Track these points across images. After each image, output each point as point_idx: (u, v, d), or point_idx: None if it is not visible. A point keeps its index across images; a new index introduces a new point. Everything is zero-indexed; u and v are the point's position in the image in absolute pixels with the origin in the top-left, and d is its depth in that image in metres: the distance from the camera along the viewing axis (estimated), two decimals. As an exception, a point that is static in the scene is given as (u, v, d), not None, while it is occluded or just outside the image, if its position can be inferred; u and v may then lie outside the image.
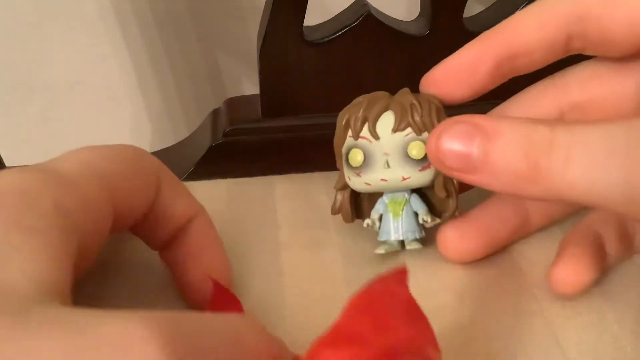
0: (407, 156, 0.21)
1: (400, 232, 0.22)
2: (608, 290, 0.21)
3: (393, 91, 0.23)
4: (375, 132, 0.21)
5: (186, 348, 0.12)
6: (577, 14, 0.19)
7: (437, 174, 0.22)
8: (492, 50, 0.21)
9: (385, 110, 0.22)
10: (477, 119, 0.18)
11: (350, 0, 0.30)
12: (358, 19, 0.29)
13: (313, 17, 0.29)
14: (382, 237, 0.23)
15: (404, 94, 0.22)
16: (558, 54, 0.21)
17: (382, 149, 0.21)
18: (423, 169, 0.21)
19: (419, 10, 0.31)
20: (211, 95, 0.45)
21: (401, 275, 0.16)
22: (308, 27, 0.29)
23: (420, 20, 0.31)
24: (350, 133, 0.22)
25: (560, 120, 0.20)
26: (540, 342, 0.20)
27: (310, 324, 0.20)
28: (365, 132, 0.22)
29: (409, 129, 0.21)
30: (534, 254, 0.23)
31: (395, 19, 0.30)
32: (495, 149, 0.17)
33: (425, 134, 0.21)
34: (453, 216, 0.22)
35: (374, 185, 0.22)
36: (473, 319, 0.21)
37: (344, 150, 0.22)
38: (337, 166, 0.23)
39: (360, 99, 0.22)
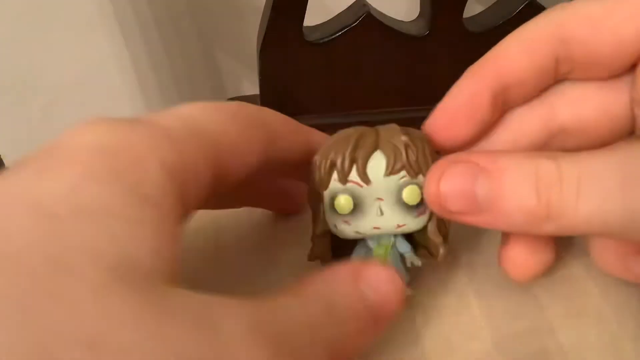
0: (401, 202, 0.20)
1: None
2: (608, 289, 0.21)
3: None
4: (366, 176, 0.19)
5: (282, 342, 0.14)
6: (560, 37, 0.19)
7: (431, 216, 0.20)
8: (485, 82, 0.20)
9: (375, 150, 0.19)
10: (476, 157, 0.17)
11: (350, 1, 0.30)
12: (358, 19, 0.29)
13: (313, 17, 0.29)
14: None
15: (393, 131, 0.20)
16: (549, 80, 0.20)
17: (374, 194, 0.19)
18: (419, 214, 0.20)
19: (419, 10, 0.31)
20: (211, 95, 0.45)
21: None
22: (308, 27, 0.29)
23: (420, 20, 0.31)
24: (335, 176, 0.19)
25: (559, 152, 0.20)
26: (539, 342, 0.20)
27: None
28: (354, 175, 0.19)
29: (403, 172, 0.19)
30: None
31: (395, 19, 0.30)
32: (502, 188, 0.17)
33: (420, 177, 0.19)
34: (445, 258, 0.20)
35: (366, 234, 0.20)
36: (472, 319, 0.21)
37: (327, 194, 0.20)
38: (311, 209, 0.21)
39: (342, 134, 0.20)
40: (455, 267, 0.23)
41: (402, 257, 0.21)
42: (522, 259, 0.20)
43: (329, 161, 0.19)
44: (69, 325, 0.11)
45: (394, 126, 0.20)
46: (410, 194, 0.19)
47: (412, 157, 0.19)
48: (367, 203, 0.20)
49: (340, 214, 0.20)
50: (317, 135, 0.21)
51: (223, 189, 0.18)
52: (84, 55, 0.42)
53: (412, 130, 0.20)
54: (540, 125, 0.21)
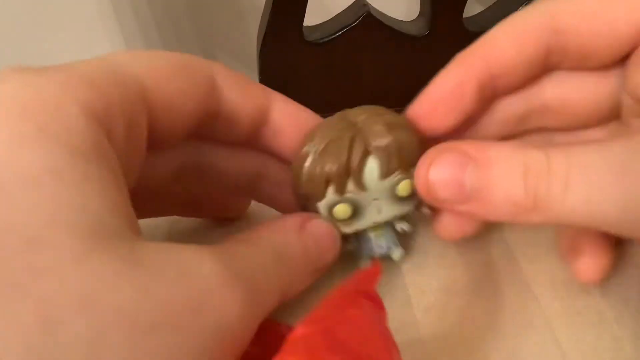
0: (396, 196, 0.20)
1: (385, 247, 0.21)
2: (607, 289, 0.21)
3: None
4: (363, 184, 0.19)
5: (250, 279, 0.15)
6: (553, 28, 0.19)
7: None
8: (473, 71, 0.20)
9: (367, 156, 0.19)
10: (465, 146, 0.18)
11: (350, 1, 0.30)
12: (358, 19, 0.29)
13: (313, 17, 0.29)
14: (362, 255, 0.22)
15: (375, 125, 0.19)
16: (537, 71, 0.20)
17: (371, 196, 0.20)
18: (412, 201, 0.21)
19: (419, 10, 0.31)
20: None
21: (374, 274, 0.16)
22: (308, 27, 0.29)
23: (420, 20, 0.31)
24: (332, 189, 0.19)
25: (548, 144, 0.20)
26: (539, 342, 0.20)
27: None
28: (350, 186, 0.19)
29: (396, 172, 0.20)
30: (533, 252, 0.23)
31: (395, 19, 0.30)
32: (490, 178, 0.17)
33: (412, 169, 0.20)
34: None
35: (365, 228, 0.21)
36: (471, 319, 0.21)
37: (324, 206, 0.20)
38: (301, 210, 0.21)
39: (323, 135, 0.19)
40: (454, 266, 0.23)
41: (391, 226, 0.22)
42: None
43: (324, 176, 0.19)
44: (60, 293, 0.12)
45: (371, 114, 0.20)
46: (404, 189, 0.20)
47: (403, 154, 0.19)
48: (365, 205, 0.20)
49: (339, 220, 0.20)
50: (279, 104, 0.20)
51: (160, 144, 0.18)
52: (84, 56, 0.42)
53: (392, 117, 0.20)
54: (523, 99, 0.21)
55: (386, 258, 0.22)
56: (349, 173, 0.19)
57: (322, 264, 0.20)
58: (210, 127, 0.19)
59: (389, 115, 0.20)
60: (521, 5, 0.30)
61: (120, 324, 0.12)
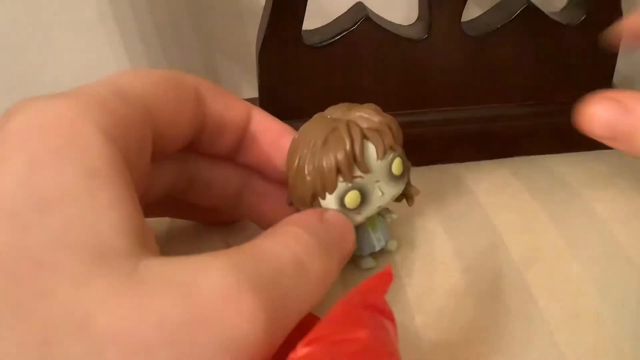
0: (392, 175, 0.21)
1: (383, 240, 0.22)
2: (606, 290, 0.21)
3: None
4: (367, 167, 0.20)
5: (270, 288, 0.14)
6: None
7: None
8: None
9: (365, 138, 0.20)
10: (626, 97, 0.20)
11: (349, 4, 0.30)
12: (356, 22, 0.29)
13: (312, 20, 0.29)
14: (365, 251, 0.22)
15: (350, 110, 0.21)
16: None
17: (373, 179, 0.21)
18: (403, 180, 0.22)
19: (417, 14, 0.31)
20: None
21: (385, 280, 0.15)
22: (307, 30, 0.29)
23: (418, 24, 0.31)
24: (341, 178, 0.20)
25: None
26: (537, 344, 0.20)
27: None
28: (356, 172, 0.20)
29: (389, 150, 0.21)
30: (532, 252, 0.23)
31: (394, 23, 0.31)
32: (637, 127, 0.20)
33: (398, 148, 0.21)
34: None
35: (371, 215, 0.21)
36: (470, 320, 0.21)
37: (336, 197, 0.20)
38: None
39: (315, 132, 0.20)
40: (453, 267, 0.23)
41: (383, 217, 0.23)
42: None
43: (333, 165, 0.20)
44: (59, 316, 0.12)
45: (346, 107, 0.21)
46: (398, 167, 0.21)
47: (393, 132, 0.21)
48: (370, 189, 0.21)
49: (350, 209, 0.21)
50: (257, 116, 0.21)
51: (160, 155, 0.18)
52: (84, 58, 0.42)
53: (365, 105, 0.21)
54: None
55: (382, 252, 0.23)
56: (355, 158, 0.20)
57: (346, 255, 0.19)
58: (197, 140, 0.20)
59: (360, 105, 0.21)
60: (520, 9, 0.30)
61: (116, 345, 0.12)
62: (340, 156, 0.20)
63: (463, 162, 0.31)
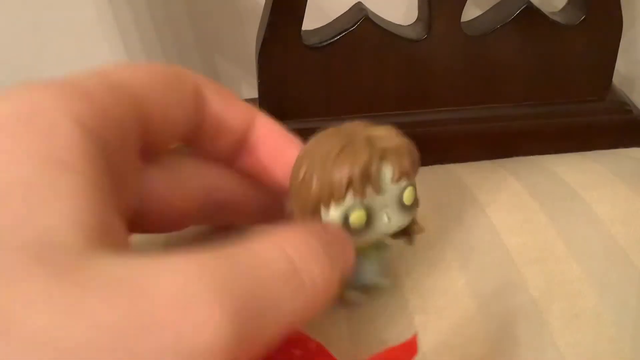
0: (402, 204, 0.19)
1: (377, 274, 0.21)
2: (606, 290, 0.21)
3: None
4: (380, 187, 0.19)
5: (244, 295, 0.12)
6: None
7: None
8: None
9: (384, 158, 0.19)
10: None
11: (349, 5, 0.30)
12: (356, 23, 0.29)
13: (311, 21, 0.29)
14: (357, 281, 0.20)
15: (369, 127, 0.19)
16: None
17: (384, 202, 0.19)
18: (412, 212, 0.20)
19: (417, 14, 0.31)
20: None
21: (409, 352, 0.14)
22: (306, 31, 0.29)
23: (418, 24, 0.31)
24: (351, 194, 0.19)
25: None
26: (537, 344, 0.20)
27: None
28: (368, 190, 0.19)
29: (404, 177, 0.19)
30: (532, 252, 0.23)
31: (393, 23, 0.31)
32: None
33: (413, 178, 0.20)
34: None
35: (372, 241, 0.20)
36: (469, 321, 0.21)
37: (341, 212, 0.19)
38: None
39: (331, 142, 0.19)
40: (453, 268, 0.23)
41: (382, 250, 0.21)
42: None
43: (345, 178, 0.18)
44: None
45: (364, 125, 0.20)
46: (409, 196, 0.19)
47: (412, 157, 0.19)
48: (377, 213, 0.19)
49: (353, 229, 0.19)
50: (262, 121, 0.20)
51: (152, 149, 0.18)
52: (84, 59, 0.42)
53: (385, 127, 0.20)
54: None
55: (374, 287, 0.21)
56: (370, 175, 0.19)
57: (346, 272, 0.17)
58: (196, 138, 0.19)
59: (378, 125, 0.20)
60: (519, 9, 0.30)
61: (40, 349, 0.11)
62: (355, 169, 0.18)
63: (463, 162, 0.31)
